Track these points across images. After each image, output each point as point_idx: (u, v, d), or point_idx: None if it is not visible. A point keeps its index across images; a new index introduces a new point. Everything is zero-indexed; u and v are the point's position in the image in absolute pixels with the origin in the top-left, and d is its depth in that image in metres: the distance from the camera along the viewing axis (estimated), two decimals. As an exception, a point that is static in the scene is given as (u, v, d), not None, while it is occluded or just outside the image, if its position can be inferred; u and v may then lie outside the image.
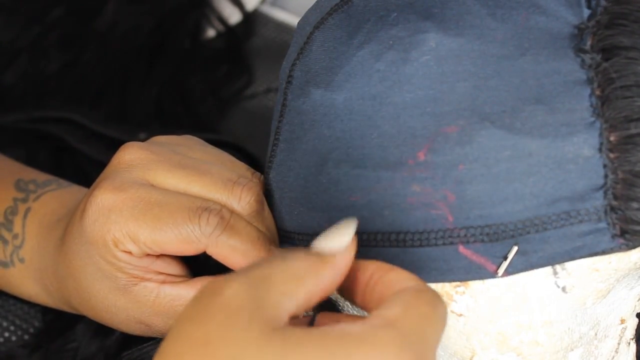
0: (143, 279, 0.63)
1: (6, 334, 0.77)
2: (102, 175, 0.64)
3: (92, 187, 0.64)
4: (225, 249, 0.61)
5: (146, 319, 0.64)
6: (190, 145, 0.66)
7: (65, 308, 0.69)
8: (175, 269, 0.64)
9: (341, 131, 0.60)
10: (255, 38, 1.02)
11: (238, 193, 0.63)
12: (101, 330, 0.71)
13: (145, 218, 0.61)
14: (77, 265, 0.64)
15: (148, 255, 0.62)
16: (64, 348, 0.73)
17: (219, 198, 0.62)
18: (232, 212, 0.62)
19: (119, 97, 0.96)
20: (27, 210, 0.70)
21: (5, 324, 0.78)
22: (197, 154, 0.65)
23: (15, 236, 0.70)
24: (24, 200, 0.71)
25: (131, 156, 0.64)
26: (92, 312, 0.65)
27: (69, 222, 0.65)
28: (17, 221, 0.70)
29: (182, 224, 0.61)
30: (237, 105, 0.98)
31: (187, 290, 0.63)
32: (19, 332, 0.77)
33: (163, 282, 0.63)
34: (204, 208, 0.61)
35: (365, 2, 0.61)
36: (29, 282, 0.70)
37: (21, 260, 0.69)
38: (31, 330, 0.78)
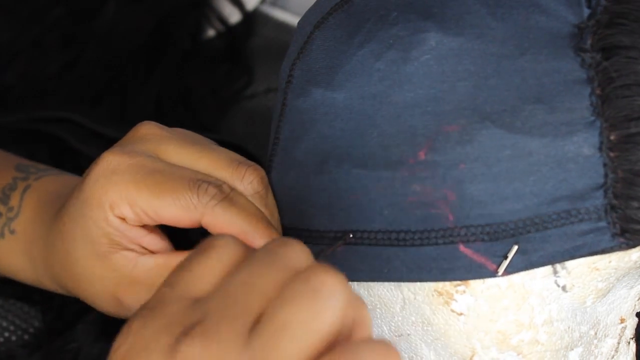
0: (125, 249, 0.63)
1: (6, 334, 0.77)
2: (114, 145, 0.64)
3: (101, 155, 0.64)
4: (220, 220, 0.60)
5: (120, 292, 0.63)
6: (203, 139, 0.66)
7: (47, 282, 0.68)
8: (162, 249, 0.64)
9: (341, 130, 0.60)
10: (255, 38, 1.02)
11: (242, 172, 0.63)
12: (104, 334, 0.70)
13: (146, 182, 0.61)
14: (67, 227, 0.64)
15: (140, 227, 0.62)
16: (64, 349, 0.73)
17: (223, 175, 0.62)
18: (233, 189, 0.62)
19: (119, 97, 0.96)
20: (27, 187, 0.70)
21: (5, 324, 0.78)
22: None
23: (10, 209, 0.70)
24: (24, 179, 0.71)
25: (146, 131, 0.64)
26: (72, 282, 0.65)
27: (72, 190, 0.65)
28: (15, 195, 0.70)
29: (181, 190, 0.61)
30: (237, 105, 0.98)
31: (165, 260, 0.63)
32: (19, 332, 0.77)
33: (143, 254, 0.63)
34: (204, 180, 0.61)
35: (365, 2, 0.61)
36: (15, 255, 0.69)
37: (12, 232, 0.69)
38: (31, 330, 0.78)
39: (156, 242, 0.64)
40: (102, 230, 0.62)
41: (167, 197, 0.61)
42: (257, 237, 0.61)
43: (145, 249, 0.64)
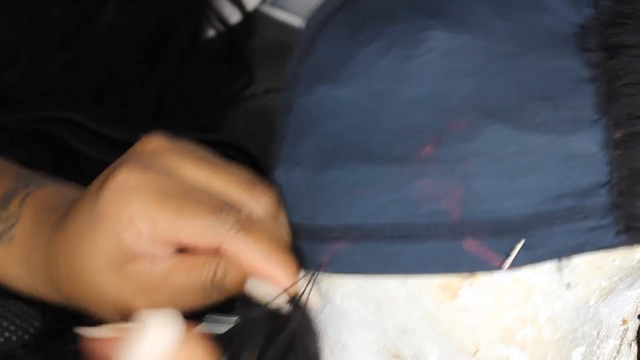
0: (137, 258, 0.62)
1: (6, 334, 0.77)
2: (122, 158, 0.64)
3: (112, 166, 0.63)
4: (240, 247, 0.61)
5: (134, 302, 0.63)
6: (212, 154, 0.66)
7: (45, 292, 0.68)
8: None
9: (347, 127, 0.60)
10: (255, 38, 1.02)
11: (257, 193, 0.63)
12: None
13: (169, 203, 0.61)
14: (74, 240, 0.63)
15: (154, 242, 0.62)
16: (64, 350, 0.72)
17: (238, 195, 0.63)
18: (250, 215, 0.62)
19: (119, 97, 0.96)
20: (27, 195, 0.69)
21: (5, 324, 0.77)
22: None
23: (10, 215, 0.69)
24: (25, 187, 0.70)
25: (156, 145, 0.64)
26: (78, 294, 0.64)
27: (76, 201, 0.65)
28: (15, 202, 0.69)
29: (204, 215, 0.61)
30: (237, 105, 0.98)
31: (180, 261, 0.62)
32: (19, 332, 0.77)
33: (158, 259, 0.62)
34: (224, 205, 0.61)
35: (370, 0, 0.62)
36: (12, 262, 0.69)
37: (10, 239, 0.69)
38: (31, 330, 0.77)
39: (166, 250, 0.63)
40: (116, 242, 0.62)
41: (190, 220, 0.61)
42: (274, 264, 0.61)
43: (156, 257, 0.63)
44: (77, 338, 0.72)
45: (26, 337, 0.77)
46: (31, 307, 0.78)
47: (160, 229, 0.61)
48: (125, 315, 0.63)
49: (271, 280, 0.61)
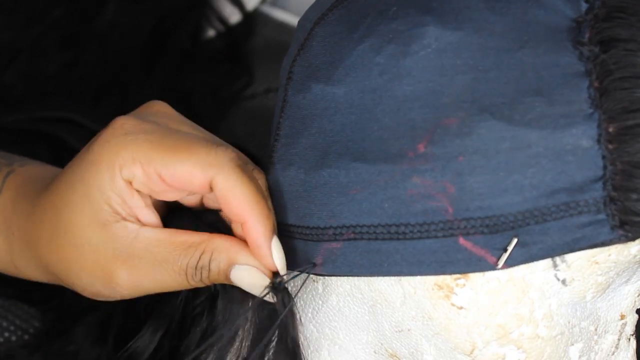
0: (125, 219, 0.62)
1: (6, 334, 0.77)
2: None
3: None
4: (231, 184, 0.60)
5: (115, 266, 0.62)
6: None
7: (22, 264, 0.67)
8: (156, 225, 0.63)
9: (341, 125, 0.60)
10: (255, 38, 1.02)
11: (251, 168, 0.63)
12: (102, 336, 0.70)
13: (162, 142, 0.60)
14: (62, 194, 0.63)
15: (141, 196, 0.61)
16: (64, 350, 0.73)
17: None
18: (247, 162, 0.62)
19: (119, 97, 0.96)
20: (10, 172, 0.69)
21: (5, 324, 0.78)
22: None
23: None
24: (8, 165, 0.70)
25: (160, 108, 0.64)
26: (59, 255, 0.63)
27: (68, 164, 0.64)
28: None
29: (198, 148, 0.60)
30: (237, 105, 0.99)
31: (169, 235, 0.62)
32: (19, 332, 0.78)
33: (144, 225, 0.62)
34: (221, 143, 0.61)
35: None
36: None
37: None
38: (31, 330, 0.78)
39: (151, 217, 0.63)
40: (105, 195, 0.61)
41: (184, 154, 0.60)
42: (256, 212, 0.60)
43: (141, 222, 0.62)
44: (75, 339, 0.72)
45: (26, 337, 0.77)
46: (31, 307, 0.78)
47: (152, 169, 0.60)
48: (104, 280, 0.63)
49: (250, 230, 0.61)
